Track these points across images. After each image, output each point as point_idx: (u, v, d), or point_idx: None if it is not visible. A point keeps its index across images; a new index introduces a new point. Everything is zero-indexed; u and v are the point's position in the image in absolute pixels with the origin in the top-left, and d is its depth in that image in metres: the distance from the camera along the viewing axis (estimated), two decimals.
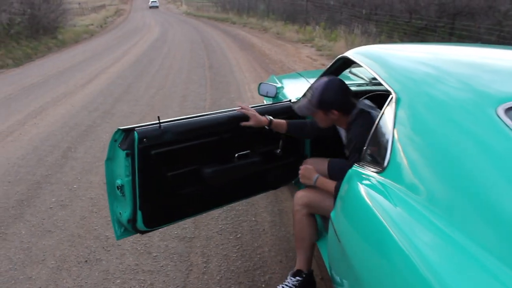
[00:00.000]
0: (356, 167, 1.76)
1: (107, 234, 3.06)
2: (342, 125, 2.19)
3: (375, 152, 1.72)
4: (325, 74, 2.45)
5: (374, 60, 1.97)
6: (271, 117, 2.39)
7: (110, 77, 9.53)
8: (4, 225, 3.27)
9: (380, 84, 2.85)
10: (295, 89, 3.37)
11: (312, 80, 3.76)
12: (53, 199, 3.66)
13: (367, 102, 2.12)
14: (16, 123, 5.95)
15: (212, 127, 2.29)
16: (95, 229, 3.16)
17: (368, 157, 1.75)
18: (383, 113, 1.70)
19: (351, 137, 2.04)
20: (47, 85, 8.92)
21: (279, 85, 3.56)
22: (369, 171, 1.62)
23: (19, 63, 13.63)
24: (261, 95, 3.42)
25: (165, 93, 7.55)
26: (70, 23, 22.96)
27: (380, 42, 12.99)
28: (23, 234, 3.14)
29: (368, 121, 1.91)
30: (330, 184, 1.97)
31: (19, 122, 6.03)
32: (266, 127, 2.39)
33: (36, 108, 6.79)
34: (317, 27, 17.32)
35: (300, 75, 4.13)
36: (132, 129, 2.03)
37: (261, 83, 3.42)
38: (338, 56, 2.40)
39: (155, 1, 54.71)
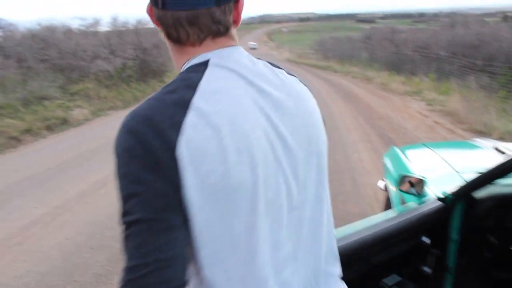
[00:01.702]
0: None
1: None
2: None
3: None
4: (489, 176, 1.75)
5: None
6: None
7: None
8: None
9: None
10: (431, 173, 2.65)
11: (445, 154, 3.03)
12: None
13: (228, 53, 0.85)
14: (112, 173, 5.80)
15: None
16: None
17: None
18: None
19: None
20: None
21: (420, 171, 2.74)
22: None
23: (127, 105, 14.23)
24: (404, 191, 2.25)
25: None
26: None
27: (501, 97, 11.64)
28: None
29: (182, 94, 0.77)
30: None
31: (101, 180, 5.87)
32: None
33: None
34: (425, 78, 16.26)
35: (426, 146, 3.40)
36: None
37: (404, 175, 2.27)
38: None
39: (254, 44, 65.26)
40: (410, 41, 27.37)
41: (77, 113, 11.87)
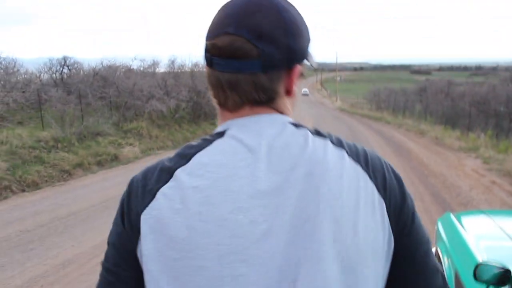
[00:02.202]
0: None
1: None
2: None
3: None
4: None
5: None
6: None
7: None
8: None
9: None
10: (487, 243, 2.38)
11: (506, 226, 2.74)
12: None
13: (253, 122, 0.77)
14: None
15: None
16: None
17: None
18: None
19: None
20: None
21: (475, 242, 2.43)
22: None
23: (177, 146, 14.42)
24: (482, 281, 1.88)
25: None
26: None
27: None
28: None
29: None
30: None
31: None
32: None
33: None
34: (482, 135, 15.57)
35: (485, 214, 3.10)
36: None
37: (481, 264, 1.91)
38: None
39: (306, 91, 67.23)
40: (467, 95, 26.69)
41: (127, 150, 12.16)
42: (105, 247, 0.76)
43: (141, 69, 19.92)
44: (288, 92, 0.80)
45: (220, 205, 0.67)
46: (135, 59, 19.33)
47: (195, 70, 20.84)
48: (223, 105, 0.78)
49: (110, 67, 18.73)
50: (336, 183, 0.70)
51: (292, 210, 0.68)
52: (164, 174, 0.72)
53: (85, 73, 18.44)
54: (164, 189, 0.70)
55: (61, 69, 17.91)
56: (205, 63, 0.78)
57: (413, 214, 0.78)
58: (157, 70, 20.56)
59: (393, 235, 0.74)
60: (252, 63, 0.73)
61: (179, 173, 0.70)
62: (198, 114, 19.63)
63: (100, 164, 10.49)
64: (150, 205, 0.69)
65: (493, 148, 13.38)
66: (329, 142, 0.75)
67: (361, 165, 0.74)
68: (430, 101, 27.15)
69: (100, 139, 12.49)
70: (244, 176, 0.69)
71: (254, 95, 0.75)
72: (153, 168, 0.74)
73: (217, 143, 0.74)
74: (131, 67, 19.65)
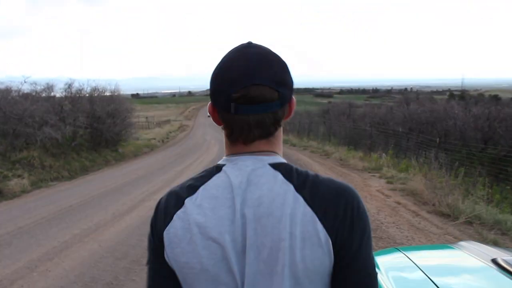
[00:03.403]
0: None
1: None
2: None
3: None
4: None
5: None
6: None
7: (153, 207, 8.52)
8: None
9: None
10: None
11: (426, 267, 2.39)
12: None
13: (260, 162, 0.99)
14: (26, 266, 4.84)
15: None
16: None
17: None
18: None
19: None
20: (85, 210, 8.00)
21: None
22: None
23: (74, 176, 13.36)
24: None
25: None
26: (134, 136, 23.26)
27: (462, 176, 11.45)
28: None
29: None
30: None
31: (31, 265, 4.92)
32: None
33: (60, 244, 5.72)
34: (384, 154, 16.14)
35: (400, 251, 2.74)
36: None
37: None
38: None
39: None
40: (367, 116, 27.93)
41: (14, 183, 10.87)
42: None
43: (33, 93, 18.16)
44: (288, 115, 1.01)
45: (213, 228, 0.90)
46: (25, 82, 17.54)
47: (95, 94, 19.58)
48: (243, 141, 0.97)
49: None
50: (288, 226, 0.88)
51: (255, 237, 0.89)
52: (179, 201, 0.95)
53: None
54: (179, 213, 0.93)
55: None
56: (225, 110, 0.95)
57: (356, 253, 0.90)
58: (51, 94, 18.88)
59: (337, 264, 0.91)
60: (275, 104, 0.94)
61: (188, 201, 0.94)
62: (98, 141, 18.38)
63: None
64: (170, 224, 0.93)
65: (395, 167, 13.82)
66: (291, 188, 0.93)
67: (313, 208, 0.90)
68: (333, 123, 27.99)
69: None
70: (228, 206, 0.91)
71: (271, 128, 0.97)
72: (174, 194, 0.97)
73: (215, 178, 0.96)
74: (21, 91, 17.82)
